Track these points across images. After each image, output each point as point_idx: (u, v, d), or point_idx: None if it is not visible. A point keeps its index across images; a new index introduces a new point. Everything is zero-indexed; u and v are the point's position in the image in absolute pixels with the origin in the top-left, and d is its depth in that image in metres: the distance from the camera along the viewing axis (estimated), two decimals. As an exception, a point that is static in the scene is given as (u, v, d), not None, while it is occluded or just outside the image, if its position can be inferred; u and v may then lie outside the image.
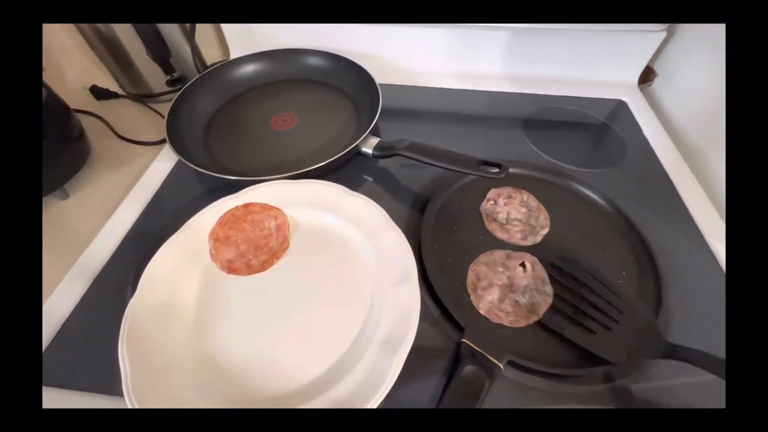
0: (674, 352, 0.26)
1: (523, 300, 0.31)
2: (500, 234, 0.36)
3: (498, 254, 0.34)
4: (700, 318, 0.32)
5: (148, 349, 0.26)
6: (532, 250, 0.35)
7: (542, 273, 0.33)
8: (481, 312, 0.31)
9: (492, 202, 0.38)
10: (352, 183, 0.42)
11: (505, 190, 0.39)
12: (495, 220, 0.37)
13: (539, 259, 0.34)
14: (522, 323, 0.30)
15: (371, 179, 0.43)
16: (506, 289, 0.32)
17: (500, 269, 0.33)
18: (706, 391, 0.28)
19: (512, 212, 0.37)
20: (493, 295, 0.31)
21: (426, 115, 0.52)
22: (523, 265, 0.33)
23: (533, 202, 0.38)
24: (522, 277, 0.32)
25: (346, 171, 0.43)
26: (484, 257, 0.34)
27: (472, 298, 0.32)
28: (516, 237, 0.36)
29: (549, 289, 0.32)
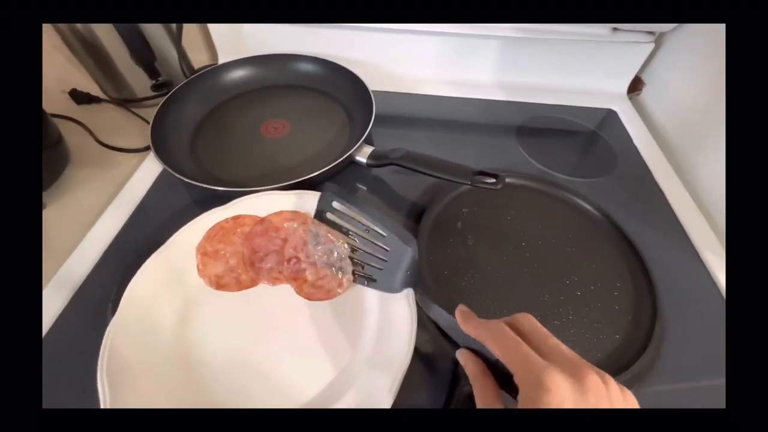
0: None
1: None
2: None
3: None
4: (695, 326, 0.32)
5: (129, 372, 0.24)
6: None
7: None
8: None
9: None
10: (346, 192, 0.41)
11: None
12: None
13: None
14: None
15: (365, 188, 0.43)
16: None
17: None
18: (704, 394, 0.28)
19: None
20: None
21: (419, 123, 0.52)
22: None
23: None
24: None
25: (338, 179, 0.42)
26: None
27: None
28: None
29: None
